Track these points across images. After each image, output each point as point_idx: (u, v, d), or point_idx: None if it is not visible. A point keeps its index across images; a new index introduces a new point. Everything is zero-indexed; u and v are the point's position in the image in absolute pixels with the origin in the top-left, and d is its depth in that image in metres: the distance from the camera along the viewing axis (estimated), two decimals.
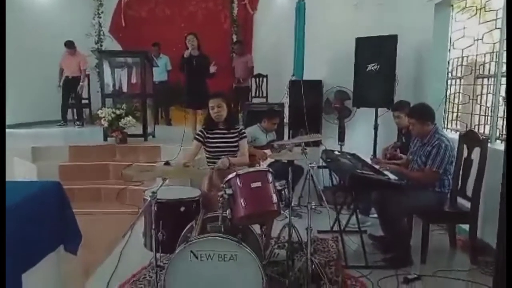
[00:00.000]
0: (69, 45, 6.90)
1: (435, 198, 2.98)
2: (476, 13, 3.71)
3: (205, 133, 3.06)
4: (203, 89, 4.98)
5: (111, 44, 8.25)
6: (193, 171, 2.85)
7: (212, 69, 5.11)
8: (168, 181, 2.40)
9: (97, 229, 3.36)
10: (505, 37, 3.16)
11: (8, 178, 2.04)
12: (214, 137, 3.06)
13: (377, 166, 3.12)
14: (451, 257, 3.17)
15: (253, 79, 7.64)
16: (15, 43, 6.96)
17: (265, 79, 7.59)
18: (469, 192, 2.98)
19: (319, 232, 3.44)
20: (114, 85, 5.88)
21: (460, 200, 3.12)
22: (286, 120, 5.30)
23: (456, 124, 4.11)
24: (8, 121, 7.01)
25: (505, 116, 3.20)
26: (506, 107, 2.80)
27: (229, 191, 2.24)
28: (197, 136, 3.10)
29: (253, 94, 7.62)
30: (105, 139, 5.33)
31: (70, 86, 7.06)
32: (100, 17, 8.18)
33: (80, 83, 7.06)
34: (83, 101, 7.55)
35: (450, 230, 3.27)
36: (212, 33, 7.81)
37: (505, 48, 3.13)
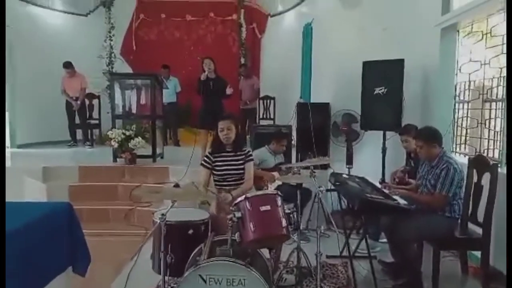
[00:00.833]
0: (67, 65, 6.90)
1: (446, 223, 2.94)
2: (482, 38, 3.76)
3: (212, 158, 3.05)
4: (220, 110, 5.08)
5: (121, 66, 8.42)
6: (202, 194, 2.85)
7: (229, 91, 5.28)
8: (177, 203, 2.40)
9: (105, 250, 3.35)
10: (506, 61, 3.18)
11: (18, 198, 2.08)
12: (222, 160, 3.05)
13: (386, 191, 3.10)
14: (462, 284, 3.10)
15: (261, 101, 7.72)
16: (27, 64, 7.15)
17: (272, 101, 7.66)
18: (480, 218, 2.93)
19: (328, 257, 3.40)
20: (124, 107, 5.98)
21: (471, 226, 3.07)
22: (293, 142, 5.31)
23: (465, 148, 4.09)
24: (20, 140, 7.15)
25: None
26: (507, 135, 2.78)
27: (238, 214, 2.24)
28: (203, 163, 3.06)
29: (261, 116, 7.68)
30: (114, 159, 5.40)
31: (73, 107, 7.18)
32: (112, 40, 8.35)
33: (78, 102, 7.11)
34: (93, 122, 7.66)
35: (462, 257, 3.21)
36: (221, 56, 7.89)
37: (505, 74, 3.16)
